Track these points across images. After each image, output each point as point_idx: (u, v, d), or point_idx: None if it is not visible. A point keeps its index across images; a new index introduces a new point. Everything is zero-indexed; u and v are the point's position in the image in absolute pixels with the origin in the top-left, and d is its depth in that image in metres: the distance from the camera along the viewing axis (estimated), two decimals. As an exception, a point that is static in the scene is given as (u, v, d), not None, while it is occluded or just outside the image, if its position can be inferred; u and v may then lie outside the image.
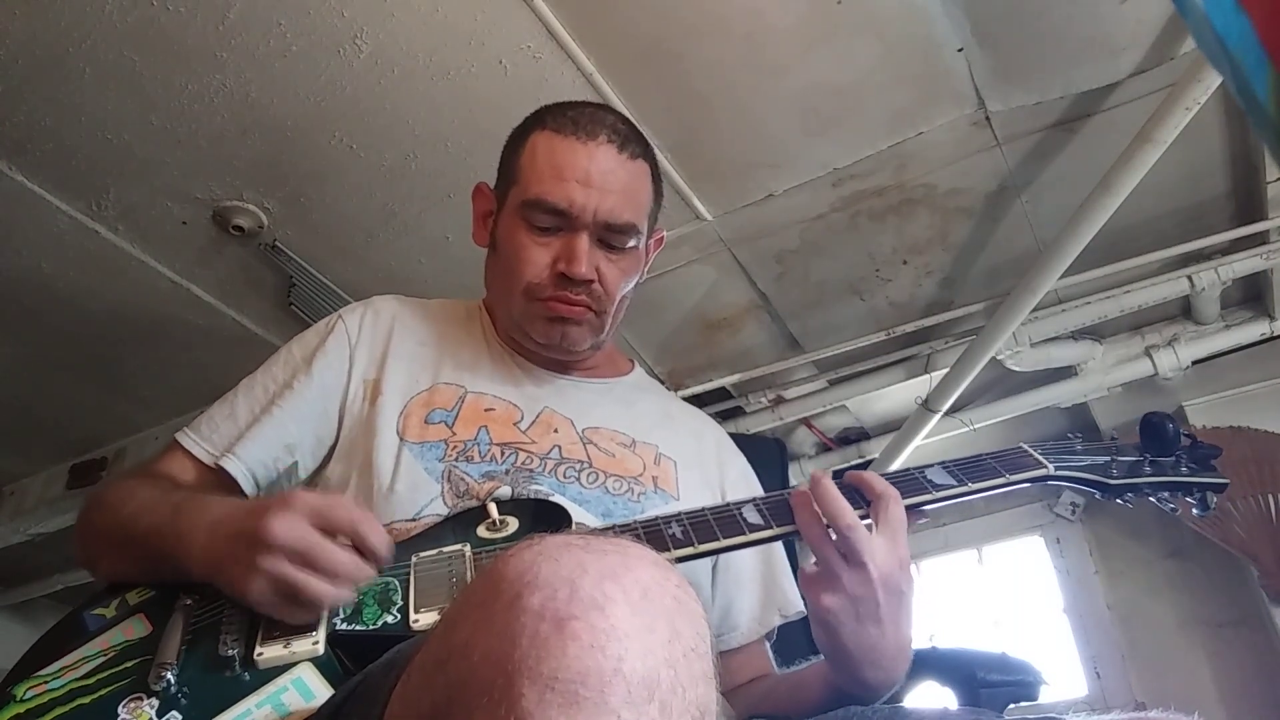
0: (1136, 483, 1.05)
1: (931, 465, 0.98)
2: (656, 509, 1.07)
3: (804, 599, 0.90)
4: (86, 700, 0.78)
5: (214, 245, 2.26)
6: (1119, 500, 1.06)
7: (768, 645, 1.16)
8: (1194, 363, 2.62)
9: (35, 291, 2.35)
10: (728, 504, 0.92)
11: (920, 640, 1.03)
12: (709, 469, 1.22)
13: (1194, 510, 1.07)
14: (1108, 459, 1.05)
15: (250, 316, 2.53)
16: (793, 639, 1.19)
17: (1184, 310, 2.64)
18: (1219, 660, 2.73)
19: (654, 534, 0.87)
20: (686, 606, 0.54)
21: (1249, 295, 2.61)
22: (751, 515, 0.91)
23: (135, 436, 3.05)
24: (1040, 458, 1.02)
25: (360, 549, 0.82)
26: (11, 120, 1.88)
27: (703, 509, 0.91)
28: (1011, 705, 0.98)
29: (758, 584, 1.15)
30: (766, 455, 1.39)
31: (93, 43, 1.74)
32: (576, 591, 0.50)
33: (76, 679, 0.80)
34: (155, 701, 0.76)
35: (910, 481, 0.96)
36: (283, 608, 0.79)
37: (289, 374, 1.11)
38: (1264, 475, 2.54)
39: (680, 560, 0.85)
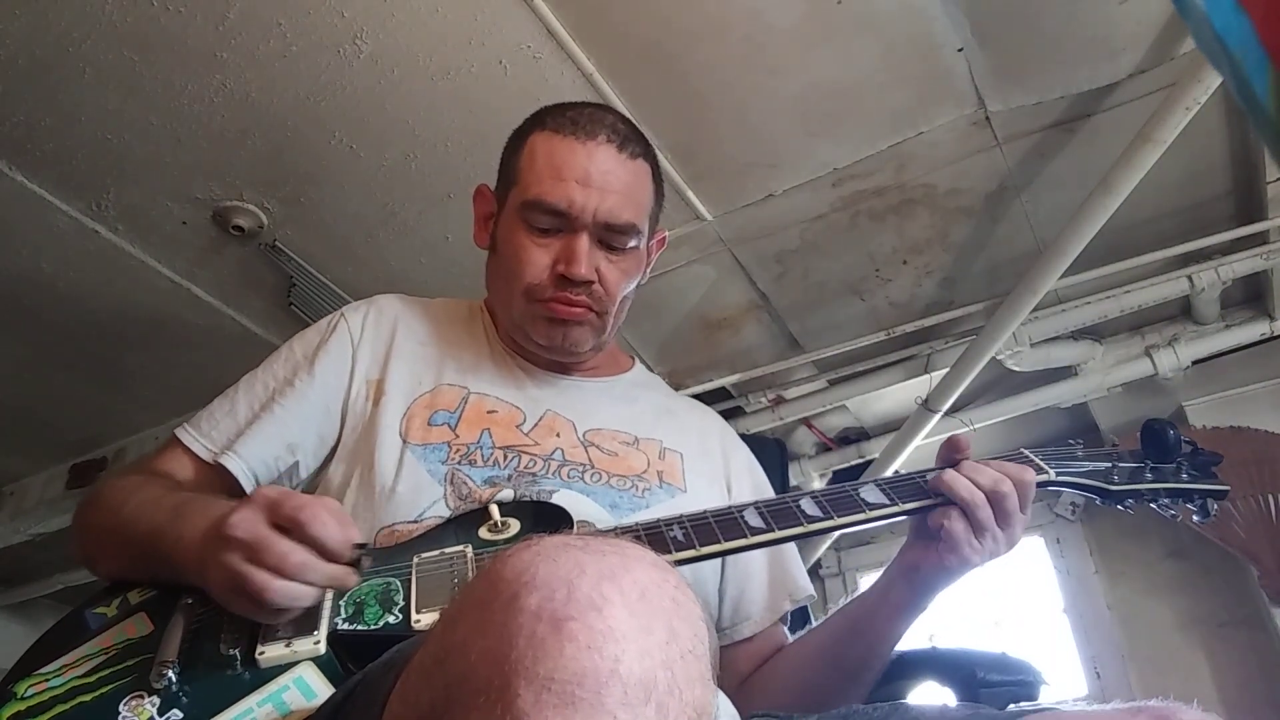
0: (1137, 489, 1.05)
1: (932, 470, 0.99)
2: (662, 504, 1.08)
3: (931, 530, 0.96)
4: (88, 698, 0.78)
5: (214, 245, 2.26)
6: (1120, 506, 1.06)
7: (784, 628, 1.17)
8: (1194, 363, 2.61)
9: (35, 291, 2.35)
10: (729, 507, 0.93)
11: (920, 640, 1.04)
12: (714, 461, 1.22)
13: (1194, 517, 1.08)
14: (1109, 465, 1.06)
15: (250, 316, 2.53)
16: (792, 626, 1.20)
17: (1184, 310, 2.64)
18: (1219, 660, 2.73)
19: (655, 536, 0.88)
20: (684, 608, 0.54)
21: (1249, 295, 2.61)
22: (753, 518, 0.91)
23: (135, 436, 3.05)
24: (1041, 463, 1.03)
25: (313, 545, 0.78)
26: (11, 120, 1.88)
27: (704, 512, 0.91)
28: (1012, 705, 0.98)
29: (766, 572, 1.16)
30: (766, 455, 1.39)
31: (93, 43, 1.74)
32: (574, 592, 0.50)
33: (78, 677, 0.80)
34: (156, 699, 0.76)
35: (911, 486, 0.97)
36: (237, 603, 0.78)
37: (290, 371, 1.11)
38: (1264, 475, 2.54)
39: (681, 563, 0.85)
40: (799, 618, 1.24)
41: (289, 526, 0.78)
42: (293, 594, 0.77)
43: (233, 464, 1.02)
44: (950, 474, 0.95)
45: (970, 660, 1.04)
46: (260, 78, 1.83)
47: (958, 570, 0.96)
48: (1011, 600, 3.16)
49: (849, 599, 1.07)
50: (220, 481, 1.02)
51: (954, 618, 3.08)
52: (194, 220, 2.18)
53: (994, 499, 0.94)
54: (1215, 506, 1.07)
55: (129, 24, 1.70)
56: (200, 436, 1.05)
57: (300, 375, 1.10)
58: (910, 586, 0.99)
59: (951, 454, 1.01)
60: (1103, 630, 2.97)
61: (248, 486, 1.03)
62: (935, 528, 0.94)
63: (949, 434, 2.82)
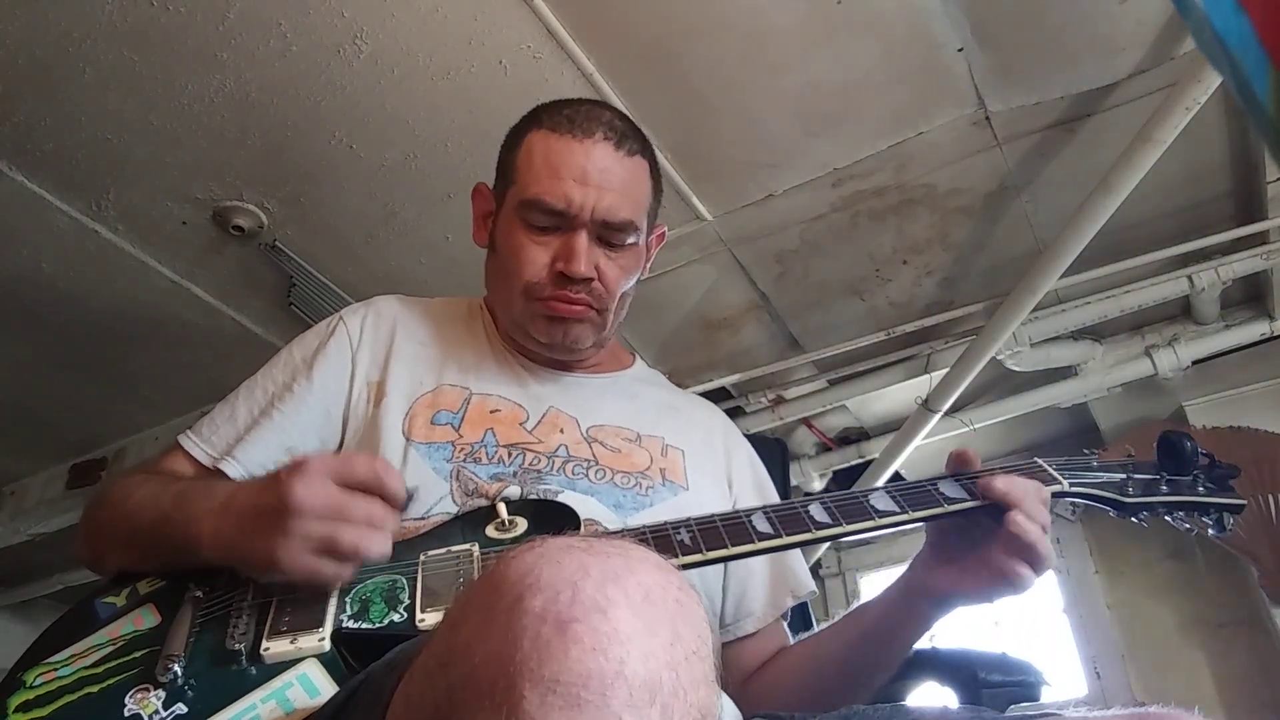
0: (1152, 502, 1.03)
1: (944, 478, 0.98)
2: (665, 502, 1.08)
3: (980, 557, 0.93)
4: (94, 689, 0.78)
5: (214, 245, 2.26)
6: (1134, 519, 1.04)
7: (785, 625, 1.17)
8: (1194, 363, 2.62)
9: (35, 291, 2.36)
10: (737, 511, 0.92)
11: (921, 640, 1.04)
12: (716, 457, 1.22)
13: (1210, 530, 1.05)
14: (1123, 476, 1.04)
15: (250, 316, 2.53)
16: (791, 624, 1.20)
17: (1184, 310, 2.64)
18: (1219, 660, 2.74)
19: (662, 539, 0.87)
20: (688, 609, 0.53)
21: (1249, 295, 2.61)
22: (761, 524, 0.90)
23: (135, 436, 3.05)
24: (1054, 473, 1.02)
25: (383, 496, 0.83)
26: (11, 120, 1.88)
27: (712, 516, 0.91)
28: (1012, 706, 0.98)
29: (768, 569, 1.16)
30: (767, 455, 1.39)
31: (93, 43, 1.74)
32: (578, 594, 0.50)
33: (85, 668, 0.80)
34: (162, 693, 0.76)
35: (922, 494, 0.96)
36: (322, 566, 0.79)
37: (289, 376, 1.11)
38: (1264, 475, 2.54)
39: (687, 567, 0.85)
40: (798, 616, 1.24)
41: (364, 483, 0.82)
42: (381, 546, 0.81)
43: (232, 469, 1.03)
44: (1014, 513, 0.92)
45: (971, 661, 1.04)
46: (260, 78, 1.83)
47: (984, 598, 0.95)
48: (1011, 600, 3.16)
49: (857, 604, 1.06)
50: None
51: (954, 618, 3.09)
52: (194, 220, 2.18)
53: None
54: (1231, 520, 1.04)
55: (129, 24, 1.70)
56: (201, 442, 1.06)
57: (299, 380, 1.10)
58: (930, 605, 0.98)
59: (962, 469, 0.99)
60: (1103, 630, 2.97)
61: None
62: (1010, 573, 0.92)
63: (949, 435, 2.83)
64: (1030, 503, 0.91)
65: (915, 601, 0.99)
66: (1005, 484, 0.92)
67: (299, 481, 0.79)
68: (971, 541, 0.94)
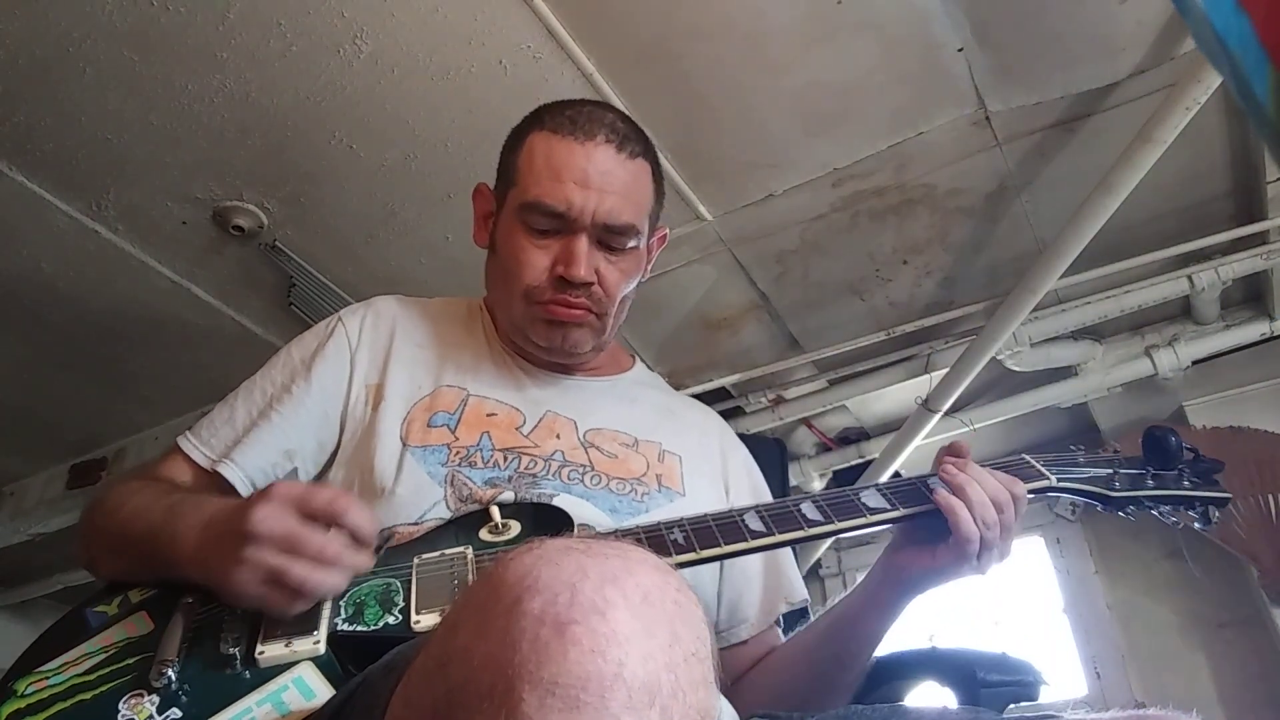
0: (1138, 495, 1.05)
1: (934, 475, 0.98)
2: (661, 508, 1.08)
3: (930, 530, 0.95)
4: (87, 696, 0.78)
5: (214, 245, 2.26)
6: (1120, 513, 1.06)
7: (779, 630, 1.17)
8: (1194, 363, 2.61)
9: (35, 291, 2.35)
10: (730, 510, 0.92)
11: (920, 640, 1.04)
12: (713, 462, 1.22)
13: (1195, 524, 1.08)
14: (1110, 471, 1.06)
15: (250, 316, 2.53)
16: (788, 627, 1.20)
17: (1184, 310, 2.64)
18: (1219, 660, 2.74)
19: (656, 539, 0.87)
20: (687, 610, 0.54)
21: (1249, 295, 2.61)
22: (754, 522, 0.91)
23: (135, 436, 3.05)
24: (1042, 469, 1.03)
25: (349, 533, 0.81)
26: (11, 120, 1.88)
27: (704, 515, 0.91)
28: (1011, 705, 0.98)
29: (762, 576, 1.16)
30: (766, 455, 1.39)
31: (93, 43, 1.73)
32: (577, 596, 0.50)
33: (78, 675, 0.80)
34: (156, 698, 0.76)
35: (911, 491, 0.96)
36: (271, 597, 0.79)
37: (288, 377, 1.10)
38: (1264, 475, 2.54)
39: (681, 566, 0.85)
40: (801, 622, 1.24)
41: (323, 518, 0.80)
42: (332, 583, 0.79)
43: (230, 472, 1.02)
44: (962, 478, 0.94)
45: (970, 660, 1.04)
46: (260, 77, 1.83)
47: (948, 574, 0.96)
48: (1011, 600, 3.16)
49: (835, 602, 1.07)
50: (219, 489, 1.02)
51: (954, 618, 3.09)
52: (194, 220, 2.18)
53: (998, 508, 0.94)
54: (1216, 514, 1.07)
55: (129, 24, 1.70)
56: (200, 444, 1.06)
57: (298, 381, 1.10)
58: (894, 588, 0.99)
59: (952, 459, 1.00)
60: (1103, 630, 2.97)
61: (244, 493, 1.02)
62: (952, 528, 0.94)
63: (949, 434, 2.84)
64: (976, 506, 0.93)
65: (880, 587, 1.00)
66: (959, 486, 0.94)
67: (259, 508, 0.79)
68: (937, 529, 0.95)
